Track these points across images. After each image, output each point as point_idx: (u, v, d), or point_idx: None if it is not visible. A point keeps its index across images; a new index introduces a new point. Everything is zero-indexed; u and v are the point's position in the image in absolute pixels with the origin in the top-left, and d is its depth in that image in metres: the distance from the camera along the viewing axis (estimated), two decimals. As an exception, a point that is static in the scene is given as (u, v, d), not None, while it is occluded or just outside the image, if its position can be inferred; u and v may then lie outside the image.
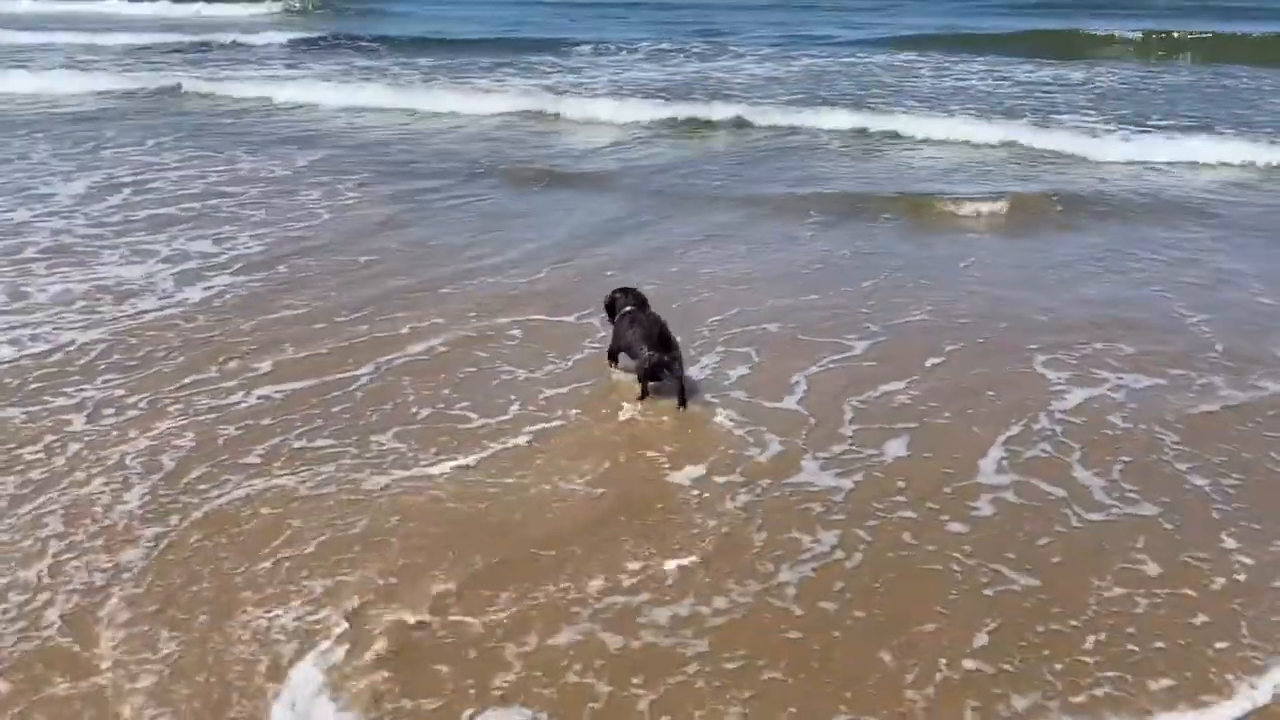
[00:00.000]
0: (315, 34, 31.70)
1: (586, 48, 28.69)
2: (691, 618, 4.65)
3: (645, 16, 43.67)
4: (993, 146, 15.29)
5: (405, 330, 7.90)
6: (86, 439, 6.08)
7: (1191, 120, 17.46)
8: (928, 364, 7.46)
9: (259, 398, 6.68)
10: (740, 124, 16.84)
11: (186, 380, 6.90)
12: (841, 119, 16.81)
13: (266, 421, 6.39)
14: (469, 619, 4.58)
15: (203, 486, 5.61)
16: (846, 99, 19.65)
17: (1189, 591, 4.88)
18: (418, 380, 7.03)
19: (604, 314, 7.18)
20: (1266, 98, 20.45)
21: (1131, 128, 16.64)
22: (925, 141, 15.74)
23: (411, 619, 4.57)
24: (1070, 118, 17.57)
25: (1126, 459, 6.13)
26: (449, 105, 18.64)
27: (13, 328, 7.69)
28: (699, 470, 5.92)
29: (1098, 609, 4.74)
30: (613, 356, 7.04)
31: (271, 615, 4.58)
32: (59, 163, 13.93)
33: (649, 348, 6.45)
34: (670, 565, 5.01)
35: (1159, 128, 16.70)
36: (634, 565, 5.01)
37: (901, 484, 5.82)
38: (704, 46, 29.35)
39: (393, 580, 4.86)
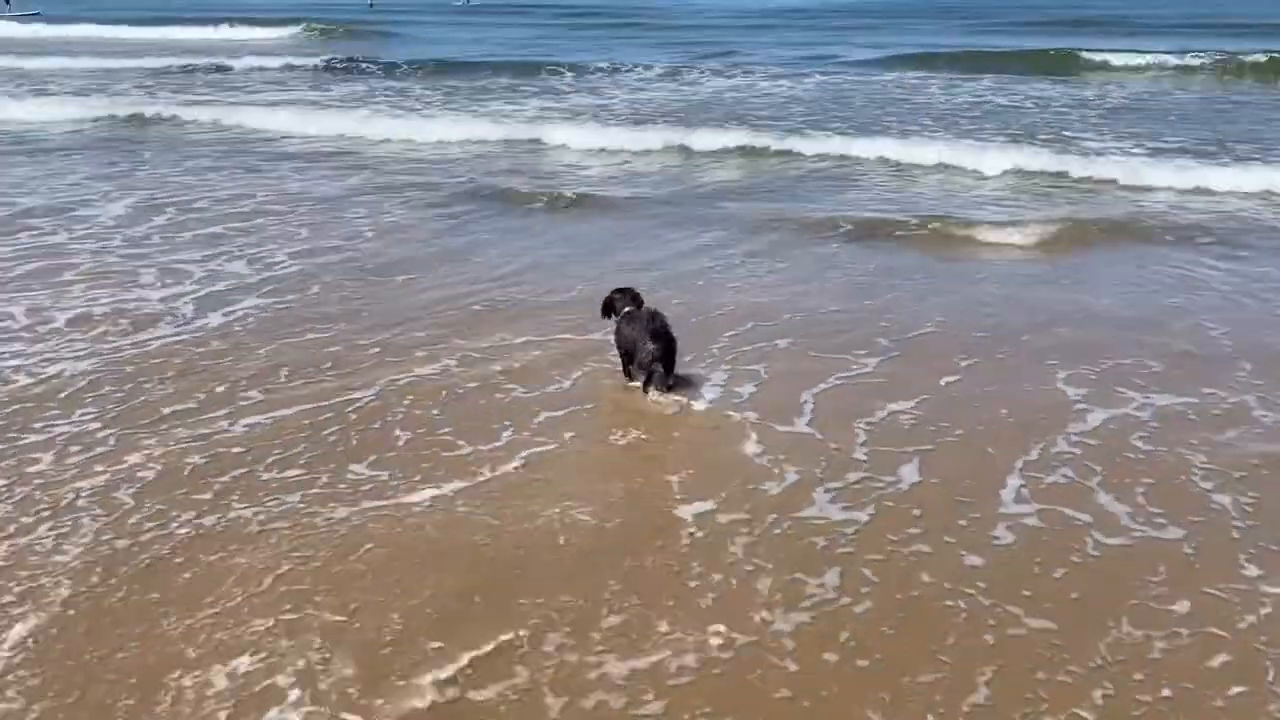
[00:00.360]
0: (338, 57, 31.38)
1: (603, 66, 28.50)
2: (653, 672, 4.13)
3: (658, 37, 43.62)
4: (1011, 173, 14.48)
5: (421, 352, 7.48)
6: (44, 479, 5.58)
7: (1205, 140, 16.85)
8: (942, 382, 7.03)
9: (245, 425, 6.22)
10: (759, 150, 16.18)
11: (167, 411, 6.44)
12: (863, 146, 15.99)
13: (237, 450, 5.93)
14: (415, 679, 4.05)
15: (149, 526, 5.09)
16: (864, 118, 19.26)
17: (1210, 629, 4.39)
18: (418, 402, 6.60)
19: (605, 315, 7.06)
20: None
21: (1145, 149, 16.02)
22: (941, 167, 14.97)
23: (353, 675, 4.06)
24: (1085, 140, 16.90)
25: (1150, 481, 5.66)
26: (477, 131, 18.08)
27: (3, 359, 7.28)
28: (703, 504, 5.37)
29: (1109, 655, 4.22)
30: (625, 364, 6.88)
31: (207, 678, 4.02)
32: (99, 183, 13.75)
33: (650, 341, 6.45)
34: (651, 614, 4.48)
35: (1174, 149, 16.03)
36: (611, 615, 4.47)
37: (917, 513, 5.32)
38: (718, 65, 29.19)
39: (342, 619, 4.40)
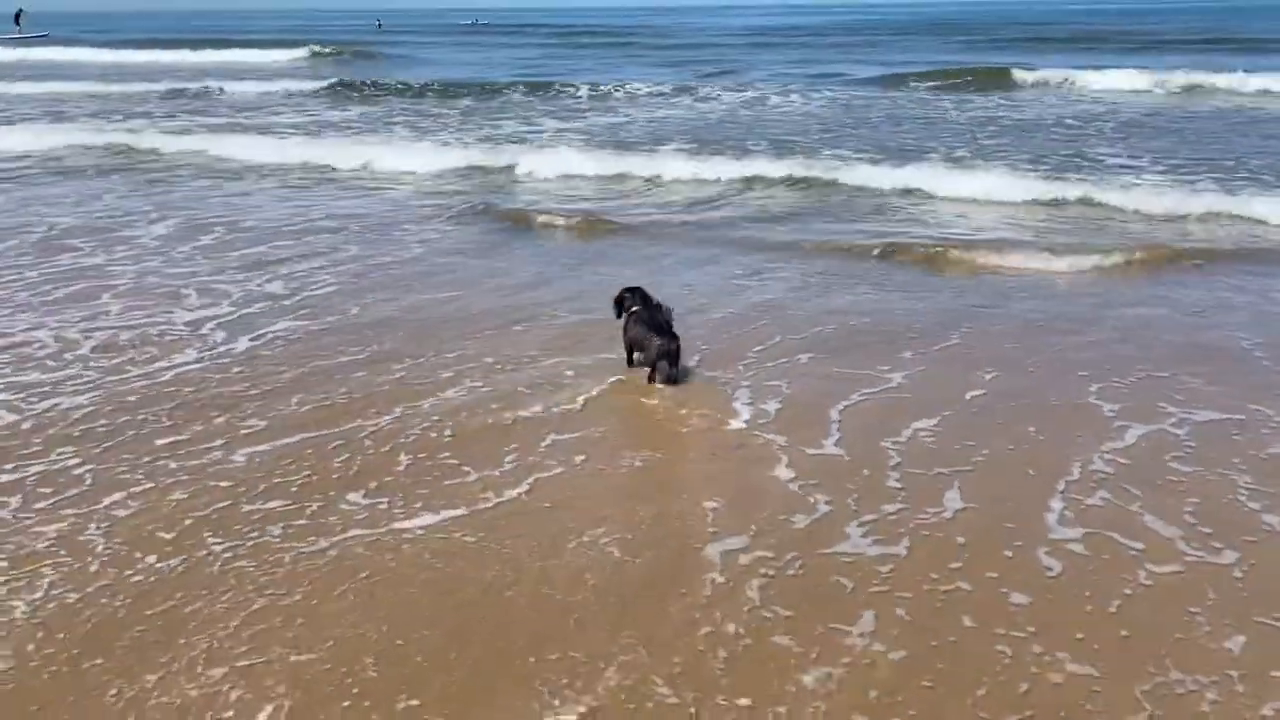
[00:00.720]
0: (352, 80, 30.70)
1: (617, 83, 28.12)
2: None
3: (663, 56, 43.32)
4: (1037, 201, 13.29)
5: (448, 373, 7.01)
6: (4, 527, 4.94)
7: (1221, 156, 16.20)
8: (967, 396, 6.59)
9: (243, 455, 5.71)
10: (787, 178, 14.90)
11: (161, 443, 5.88)
12: (887, 171, 14.79)
13: (225, 484, 5.39)
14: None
15: (111, 573, 4.52)
16: (882, 136, 18.64)
17: (1264, 670, 3.88)
18: (436, 426, 6.12)
19: (618, 313, 7.14)
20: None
21: (1163, 167, 15.30)
22: (959, 200, 13.66)
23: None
24: (1105, 160, 16.04)
25: (1195, 501, 5.19)
26: (500, 156, 16.93)
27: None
28: (733, 540, 4.80)
29: (1154, 709, 3.68)
30: (630, 356, 7.10)
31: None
32: (139, 203, 13.51)
33: (656, 335, 6.66)
34: (654, 676, 3.86)
35: (1185, 164, 15.40)
36: (610, 670, 3.88)
37: (960, 540, 4.81)
38: (730, 83, 28.79)
39: (310, 657, 3.91)
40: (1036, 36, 52.22)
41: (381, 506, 5.19)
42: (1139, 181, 14.17)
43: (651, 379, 6.75)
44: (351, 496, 5.28)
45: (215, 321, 8.26)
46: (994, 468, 5.64)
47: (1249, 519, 5.04)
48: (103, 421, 6.22)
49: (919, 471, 5.57)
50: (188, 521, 5.02)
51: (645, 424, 6.35)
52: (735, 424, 6.23)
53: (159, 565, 4.62)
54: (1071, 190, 13.56)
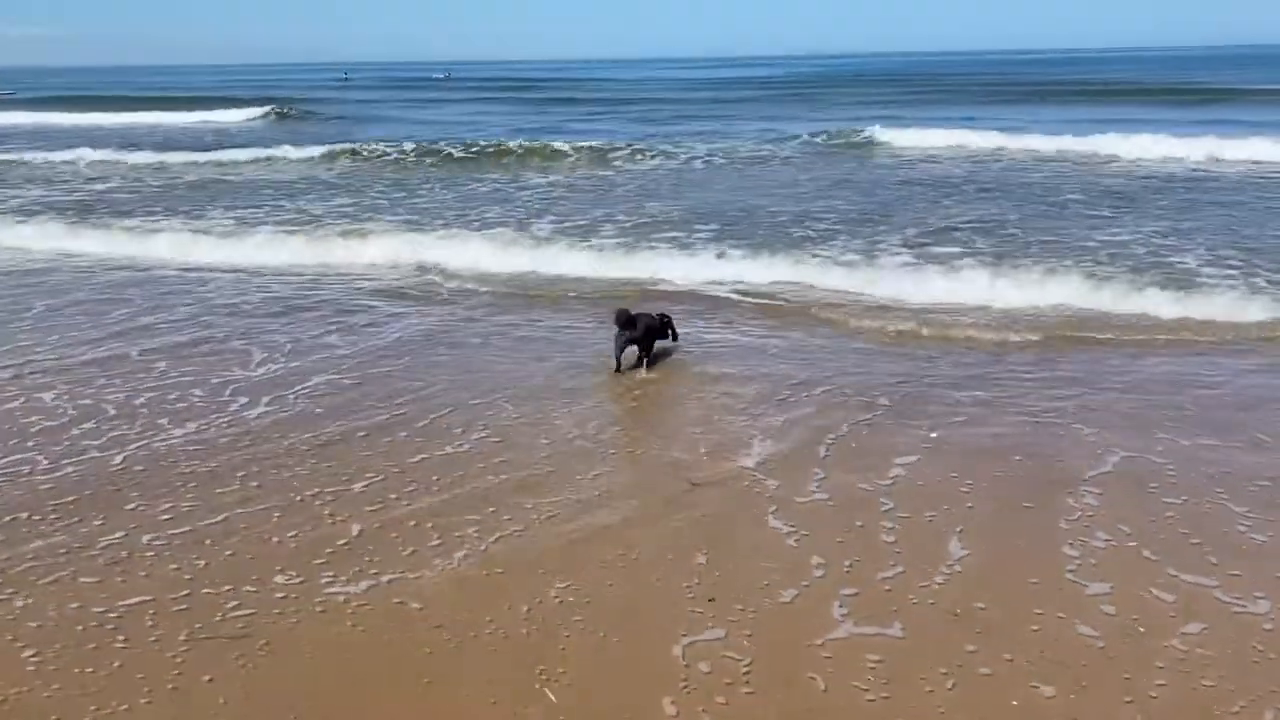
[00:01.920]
0: (328, 148, 25.67)
1: (599, 140, 27.13)
2: None
3: (637, 111, 41.95)
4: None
5: (459, 429, 6.38)
6: None
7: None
8: (938, 429, 6.13)
9: (149, 542, 4.87)
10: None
11: (38, 545, 4.90)
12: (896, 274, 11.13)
13: (92, 580, 4.57)
14: None
15: None
16: (880, 208, 15.47)
17: None
18: (421, 489, 5.50)
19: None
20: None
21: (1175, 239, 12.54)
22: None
23: None
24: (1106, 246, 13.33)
25: (1191, 531, 4.81)
26: (501, 235, 13.65)
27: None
28: (697, 634, 4.01)
29: None
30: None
31: None
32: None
33: (618, 326, 7.62)
34: None
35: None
36: None
37: (980, 608, 4.11)
38: (702, 142, 27.21)
39: None
40: (995, 84, 52.18)
41: (295, 581, 4.47)
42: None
43: (618, 370, 7.62)
44: (276, 576, 4.57)
45: (242, 383, 7.53)
46: (991, 508, 5.12)
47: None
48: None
49: (911, 516, 5.01)
50: (7, 636, 4.10)
51: (635, 466, 5.93)
52: (718, 467, 5.77)
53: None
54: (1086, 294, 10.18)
